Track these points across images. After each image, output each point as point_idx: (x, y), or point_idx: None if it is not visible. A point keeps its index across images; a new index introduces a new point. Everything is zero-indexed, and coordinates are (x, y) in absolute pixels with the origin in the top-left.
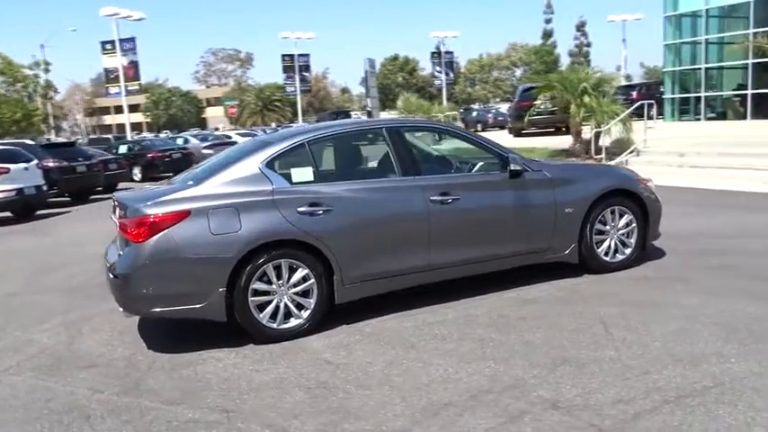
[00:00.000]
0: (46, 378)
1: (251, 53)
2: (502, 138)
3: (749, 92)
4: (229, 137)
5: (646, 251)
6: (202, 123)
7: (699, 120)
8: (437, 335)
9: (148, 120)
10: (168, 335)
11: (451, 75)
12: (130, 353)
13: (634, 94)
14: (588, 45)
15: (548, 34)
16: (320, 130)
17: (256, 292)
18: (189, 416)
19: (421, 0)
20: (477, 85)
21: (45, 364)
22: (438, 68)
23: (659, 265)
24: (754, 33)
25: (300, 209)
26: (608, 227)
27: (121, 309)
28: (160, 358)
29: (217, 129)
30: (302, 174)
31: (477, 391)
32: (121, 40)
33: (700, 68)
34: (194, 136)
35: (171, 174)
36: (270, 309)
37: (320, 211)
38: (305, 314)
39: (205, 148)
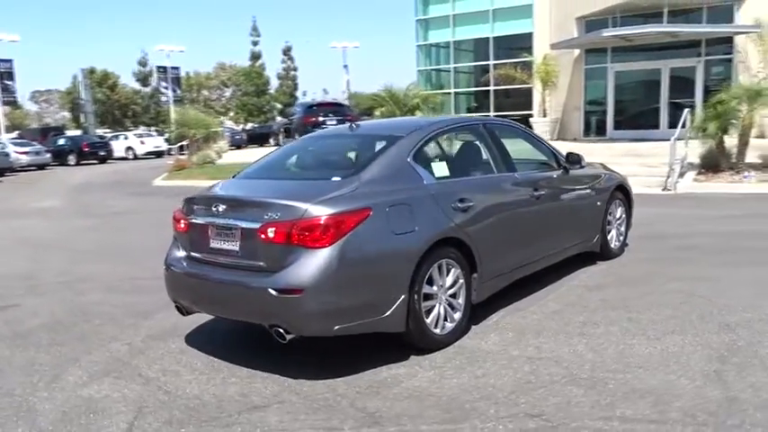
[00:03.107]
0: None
1: None
2: None
3: (491, 113)
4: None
5: None
6: None
7: None
8: (582, 322)
9: None
10: (282, 357)
11: (179, 91)
12: (278, 389)
13: None
14: (295, 69)
15: (256, 56)
16: (434, 125)
17: (425, 297)
18: (510, 427)
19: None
20: (186, 104)
21: (187, 418)
22: (164, 84)
23: (641, 249)
24: (494, 65)
25: (453, 204)
26: (612, 217)
27: (284, 330)
28: (335, 385)
29: None
30: (442, 168)
31: (710, 358)
32: None
33: (450, 92)
34: None
35: None
36: (434, 314)
37: (467, 207)
38: (456, 316)
39: None
